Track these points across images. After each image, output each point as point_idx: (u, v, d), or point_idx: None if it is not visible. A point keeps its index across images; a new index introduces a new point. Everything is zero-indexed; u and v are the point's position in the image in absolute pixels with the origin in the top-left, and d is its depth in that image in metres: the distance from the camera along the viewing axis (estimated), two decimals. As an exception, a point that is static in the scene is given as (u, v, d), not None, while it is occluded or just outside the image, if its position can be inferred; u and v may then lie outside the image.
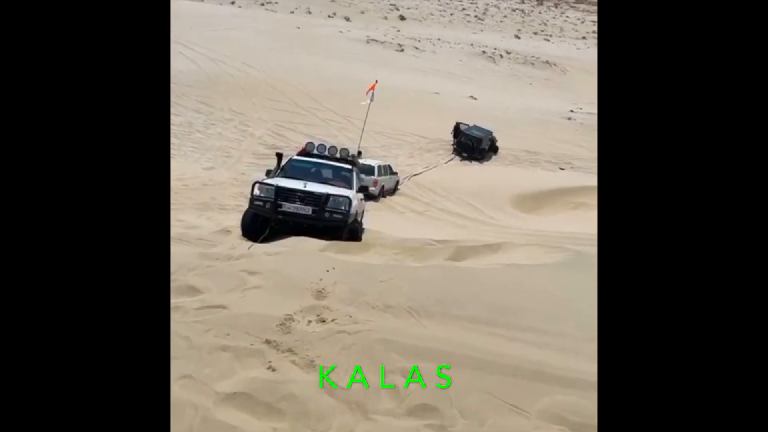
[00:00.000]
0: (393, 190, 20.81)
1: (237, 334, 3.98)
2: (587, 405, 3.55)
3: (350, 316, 4.38)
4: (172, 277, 5.02)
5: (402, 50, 46.22)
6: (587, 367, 4.07)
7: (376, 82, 21.48)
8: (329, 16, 61.62)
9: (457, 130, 26.50)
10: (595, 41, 64.84)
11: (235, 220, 10.15)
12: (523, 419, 3.40)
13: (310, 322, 4.30)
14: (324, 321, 4.29)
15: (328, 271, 5.32)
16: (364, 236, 11.24)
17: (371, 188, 18.07)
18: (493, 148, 27.00)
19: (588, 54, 58.03)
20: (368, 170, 18.52)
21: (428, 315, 4.55)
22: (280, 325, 4.17)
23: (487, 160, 26.54)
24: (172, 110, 23.53)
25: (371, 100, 20.70)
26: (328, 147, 11.77)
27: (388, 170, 20.26)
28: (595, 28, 73.76)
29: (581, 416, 3.45)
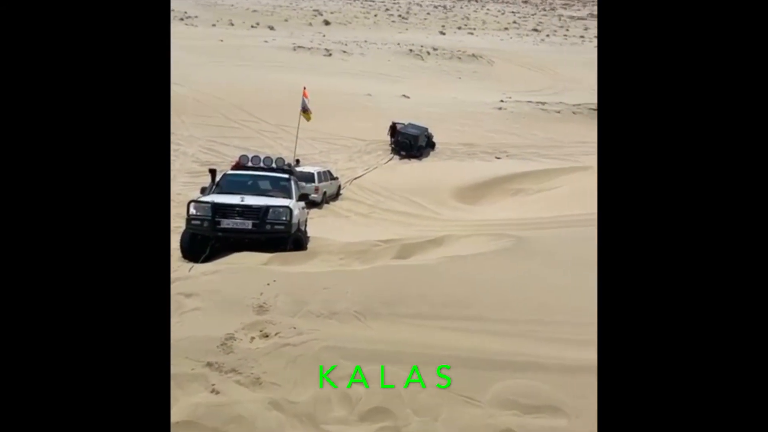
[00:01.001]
0: (335, 196, 20.69)
1: (177, 360, 3.79)
2: (537, 387, 3.60)
3: (294, 328, 4.28)
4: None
5: (330, 55, 46.06)
6: (534, 349, 4.12)
7: (305, 88, 21.34)
8: (252, 27, 60.67)
9: (394, 130, 26.65)
10: (517, 31, 66.70)
11: (174, 243, 9.80)
12: (477, 409, 3.40)
13: (252, 338, 4.17)
14: (267, 336, 4.16)
15: (268, 284, 5.19)
16: (309, 244, 11.09)
17: (313, 195, 17.90)
18: (430, 144, 27.31)
19: (511, 44, 59.56)
20: (308, 177, 18.34)
21: (375, 317, 4.50)
22: (221, 345, 4.02)
23: (426, 157, 26.80)
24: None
25: (302, 106, 20.55)
26: (262, 158, 11.56)
27: (328, 176, 20.13)
28: (515, 18, 75.89)
29: (532, 398, 3.48)
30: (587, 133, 29.93)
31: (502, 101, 34.44)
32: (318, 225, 15.63)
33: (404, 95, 34.78)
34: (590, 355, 4.05)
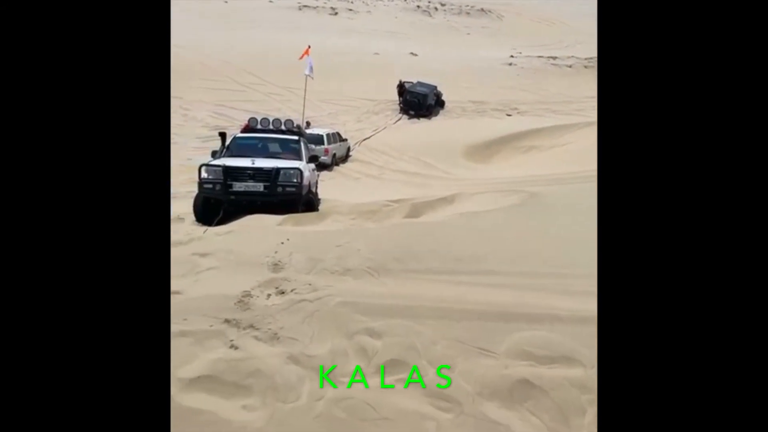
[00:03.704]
0: (345, 157, 20.62)
1: (194, 318, 3.86)
2: (552, 338, 3.61)
3: (310, 284, 4.31)
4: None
5: (336, 13, 45.24)
6: (548, 301, 4.13)
7: (309, 47, 21.01)
8: (257, -13, 59.43)
9: (402, 89, 26.32)
10: (528, -16, 64.76)
11: (187, 207, 9.85)
12: (492, 360, 3.43)
13: (269, 295, 4.21)
14: (283, 293, 4.20)
15: (282, 243, 5.22)
16: (320, 206, 11.10)
17: (323, 157, 17.85)
18: (440, 103, 26.97)
19: (521, -2, 57.99)
20: (317, 139, 18.26)
21: (388, 273, 4.52)
22: (239, 302, 4.07)
23: (435, 116, 26.51)
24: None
25: (309, 68, 20.30)
26: (271, 120, 11.50)
27: (337, 137, 20.01)
28: (526, -30, 73.63)
29: (547, 349, 3.50)
30: (600, 88, 29.37)
31: (512, 56, 33.80)
32: (328, 187, 15.62)
33: (412, 53, 34.22)
34: (604, 307, 4.06)
